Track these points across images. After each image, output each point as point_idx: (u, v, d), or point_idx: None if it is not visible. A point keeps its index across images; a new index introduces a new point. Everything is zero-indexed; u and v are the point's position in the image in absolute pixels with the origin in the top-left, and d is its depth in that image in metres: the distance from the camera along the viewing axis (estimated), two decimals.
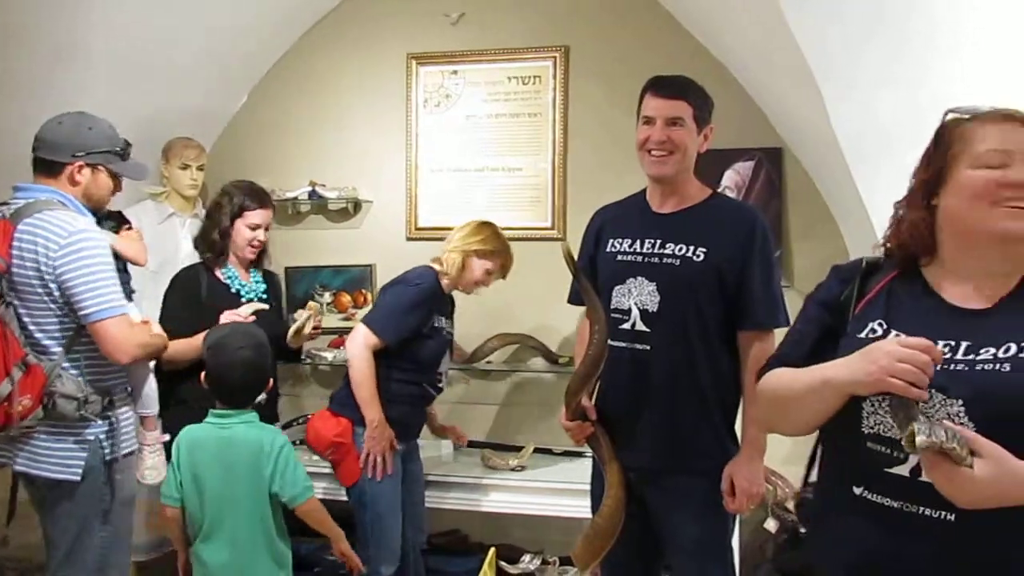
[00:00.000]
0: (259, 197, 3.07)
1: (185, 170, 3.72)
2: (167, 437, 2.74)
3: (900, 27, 2.59)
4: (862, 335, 1.50)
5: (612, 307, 2.37)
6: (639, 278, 2.34)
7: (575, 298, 2.58)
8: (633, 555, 2.42)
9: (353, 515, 2.94)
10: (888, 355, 1.33)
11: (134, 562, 3.62)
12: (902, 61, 2.62)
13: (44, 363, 2.31)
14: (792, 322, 1.77)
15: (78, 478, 2.36)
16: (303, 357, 3.70)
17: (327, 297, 4.08)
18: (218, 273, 3.03)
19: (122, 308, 2.35)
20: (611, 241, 2.45)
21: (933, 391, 1.35)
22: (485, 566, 3.29)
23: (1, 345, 2.22)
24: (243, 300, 3.03)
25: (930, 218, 1.50)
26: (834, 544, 1.53)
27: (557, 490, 3.33)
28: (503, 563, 3.56)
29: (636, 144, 2.38)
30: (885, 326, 1.49)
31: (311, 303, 3.40)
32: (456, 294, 3.15)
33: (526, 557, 3.67)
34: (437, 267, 3.03)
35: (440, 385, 3.12)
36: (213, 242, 3.01)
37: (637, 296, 2.33)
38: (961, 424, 1.33)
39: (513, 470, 3.50)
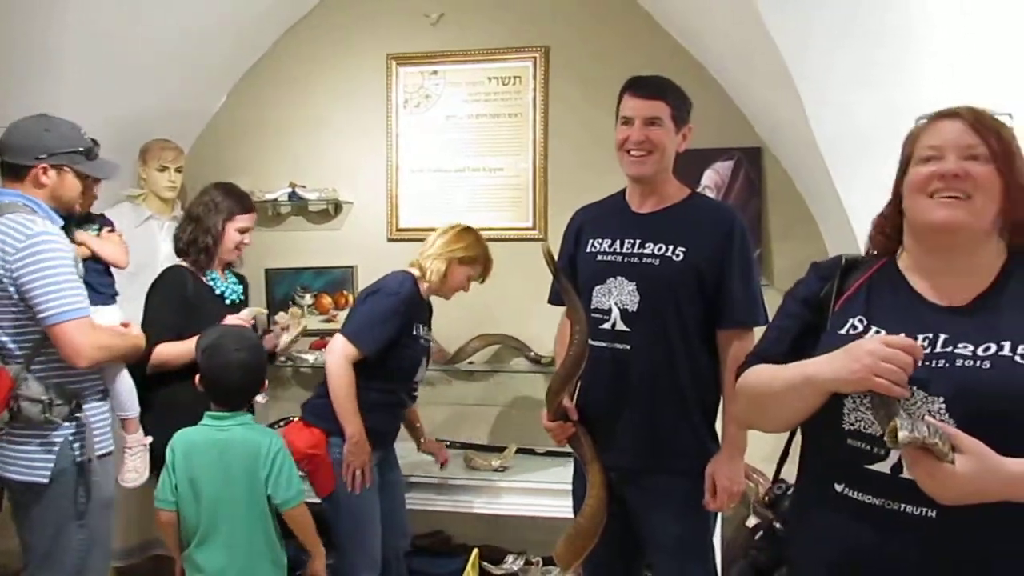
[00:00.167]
0: (247, 201, 3.09)
1: (163, 172, 3.69)
2: (149, 439, 2.72)
3: (877, 29, 2.62)
4: (842, 331, 1.51)
5: (592, 307, 2.37)
6: (619, 278, 2.35)
7: (555, 298, 2.59)
8: (615, 554, 2.42)
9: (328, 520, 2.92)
10: (871, 354, 1.34)
11: (114, 567, 3.60)
12: (879, 63, 2.64)
13: (11, 367, 2.30)
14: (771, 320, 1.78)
15: (46, 480, 2.35)
16: (284, 360, 3.68)
17: (308, 299, 4.07)
18: (201, 275, 3.01)
19: (82, 311, 2.32)
20: (591, 241, 2.46)
21: (915, 389, 1.36)
22: (468, 567, 3.30)
23: None
24: (227, 302, 3.03)
25: (899, 218, 1.55)
26: (815, 541, 1.54)
27: (540, 490, 3.33)
28: (486, 564, 3.56)
29: (615, 144, 2.39)
30: (865, 322, 1.50)
31: (294, 309, 3.40)
32: (435, 297, 3.13)
33: (509, 558, 3.67)
34: (416, 272, 2.99)
35: (415, 394, 3.11)
36: (206, 246, 2.98)
37: (617, 296, 2.34)
38: (942, 421, 1.34)
39: (496, 471, 3.50)
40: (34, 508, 2.38)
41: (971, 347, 1.38)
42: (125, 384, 2.64)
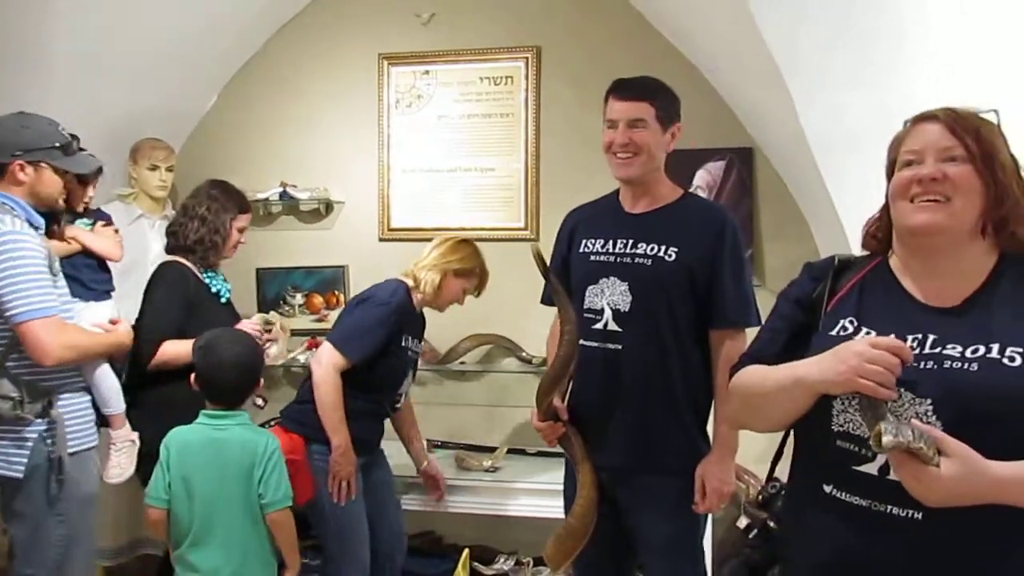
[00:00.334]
0: (245, 201, 3.12)
1: (154, 171, 3.68)
2: (135, 436, 2.71)
3: (868, 29, 2.62)
4: (833, 332, 1.51)
5: (585, 307, 2.37)
6: (611, 278, 2.35)
7: (548, 299, 2.58)
8: (605, 555, 2.42)
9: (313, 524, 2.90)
10: (858, 355, 1.35)
11: (103, 567, 3.59)
12: (870, 63, 2.65)
13: None
14: (764, 320, 1.78)
15: (20, 475, 2.36)
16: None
17: (299, 299, 4.06)
18: (199, 273, 3.00)
19: (48, 311, 2.31)
20: (584, 241, 2.46)
21: (902, 391, 1.36)
22: (459, 567, 3.29)
23: None
24: (222, 300, 3.03)
25: (889, 221, 1.55)
26: (805, 542, 1.54)
27: (531, 491, 3.33)
28: (477, 564, 3.55)
29: (604, 147, 2.39)
30: (856, 323, 1.50)
31: (282, 322, 3.39)
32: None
33: (500, 558, 3.67)
34: (409, 282, 2.95)
35: (398, 405, 3.07)
36: (215, 244, 2.98)
37: (609, 296, 2.34)
38: (929, 423, 1.34)
39: (487, 471, 3.49)
40: (13, 503, 2.41)
41: (960, 348, 1.38)
42: (106, 381, 2.61)
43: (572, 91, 3.79)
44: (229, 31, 3.90)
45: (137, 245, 3.54)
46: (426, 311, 3.10)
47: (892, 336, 1.39)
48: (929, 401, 1.36)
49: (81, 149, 2.57)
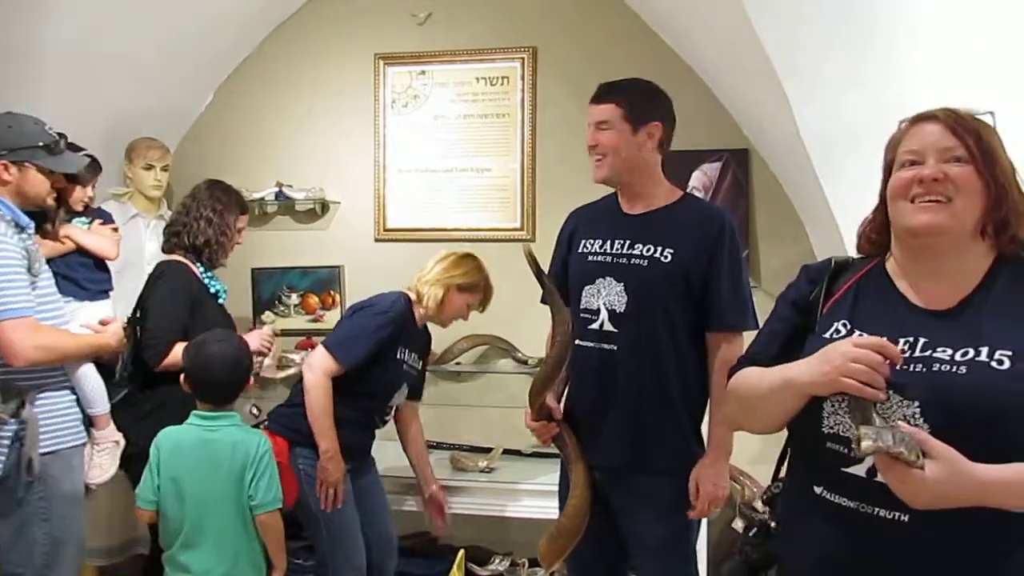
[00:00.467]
0: (244, 202, 3.13)
1: (149, 171, 3.67)
2: (119, 437, 2.68)
3: (864, 29, 2.62)
4: (827, 335, 1.51)
5: (582, 307, 2.38)
6: (608, 278, 2.35)
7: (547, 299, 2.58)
8: (598, 555, 2.42)
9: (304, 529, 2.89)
10: (842, 355, 1.35)
11: (96, 567, 3.58)
12: (866, 63, 2.65)
13: None
14: (761, 323, 1.78)
15: None
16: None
17: (295, 299, 4.05)
18: (198, 273, 2.99)
19: (21, 311, 2.28)
20: (583, 242, 2.46)
21: (891, 393, 1.36)
22: (454, 568, 3.28)
23: None
24: (219, 301, 3.02)
25: (885, 222, 1.54)
26: (798, 543, 1.55)
27: (526, 491, 3.32)
28: (472, 565, 3.55)
29: None
30: (849, 326, 1.50)
31: (274, 329, 3.40)
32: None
33: (496, 559, 3.66)
34: (412, 296, 2.93)
35: (387, 418, 3.03)
36: (221, 245, 2.98)
37: (606, 296, 2.34)
38: (916, 426, 1.33)
39: (482, 471, 3.49)
40: None
41: (950, 351, 1.38)
42: (89, 381, 2.58)
43: (568, 92, 3.78)
44: (225, 31, 3.90)
45: (132, 245, 3.53)
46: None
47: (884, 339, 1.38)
48: (917, 404, 1.36)
49: (74, 148, 2.56)
